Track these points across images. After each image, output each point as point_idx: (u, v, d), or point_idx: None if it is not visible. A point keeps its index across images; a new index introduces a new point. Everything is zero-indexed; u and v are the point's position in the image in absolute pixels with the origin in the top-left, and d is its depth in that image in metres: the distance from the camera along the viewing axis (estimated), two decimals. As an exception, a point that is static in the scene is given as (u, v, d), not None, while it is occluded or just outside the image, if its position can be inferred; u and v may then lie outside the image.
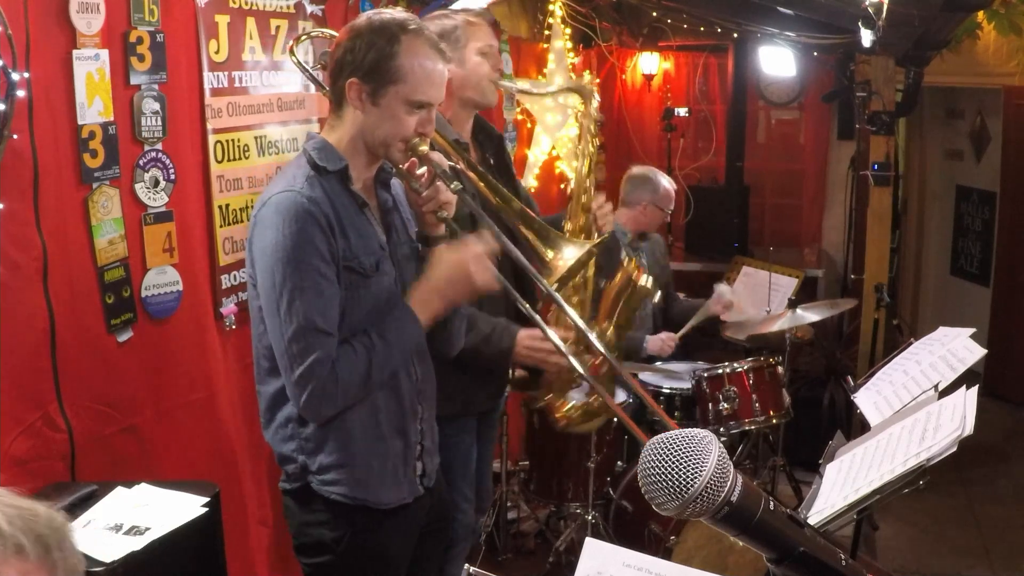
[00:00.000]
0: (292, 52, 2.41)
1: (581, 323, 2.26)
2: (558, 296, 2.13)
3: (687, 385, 3.79)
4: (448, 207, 2.04)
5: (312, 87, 2.97)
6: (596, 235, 2.69)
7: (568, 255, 2.25)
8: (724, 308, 4.13)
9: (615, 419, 3.62)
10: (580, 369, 2.25)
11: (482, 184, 2.40)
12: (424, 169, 1.99)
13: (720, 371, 3.66)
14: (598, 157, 4.39)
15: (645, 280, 2.80)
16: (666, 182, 4.17)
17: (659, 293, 2.96)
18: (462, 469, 2.67)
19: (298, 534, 2.04)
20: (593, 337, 2.28)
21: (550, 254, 2.26)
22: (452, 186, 2.00)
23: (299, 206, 1.85)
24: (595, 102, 2.75)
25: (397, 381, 2.03)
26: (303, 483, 1.99)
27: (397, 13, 1.96)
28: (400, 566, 2.10)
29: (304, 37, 2.62)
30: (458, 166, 2.34)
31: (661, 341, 4.01)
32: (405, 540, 2.10)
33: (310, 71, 2.52)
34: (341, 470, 1.97)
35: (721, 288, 4.18)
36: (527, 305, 2.13)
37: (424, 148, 1.97)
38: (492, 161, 2.79)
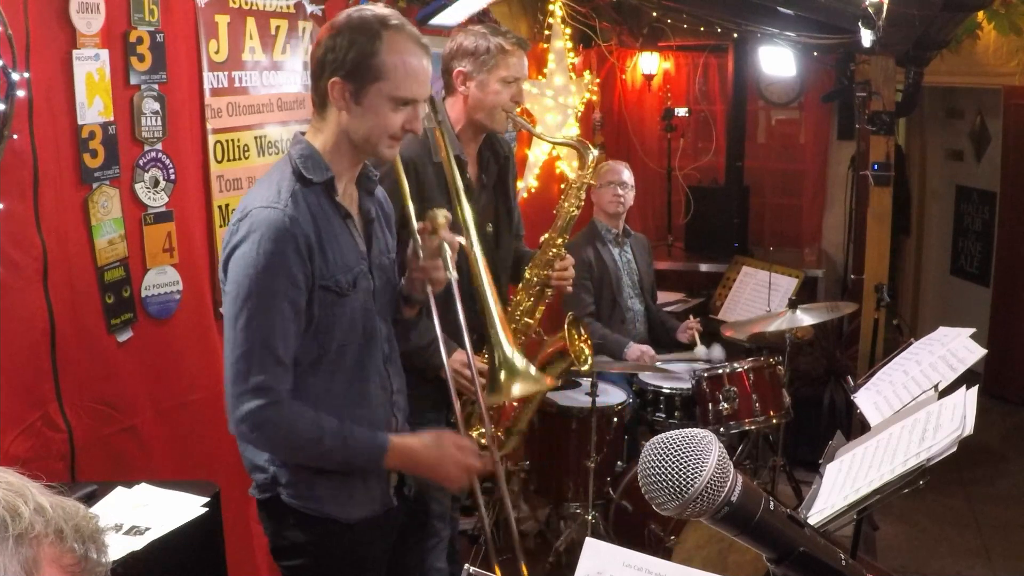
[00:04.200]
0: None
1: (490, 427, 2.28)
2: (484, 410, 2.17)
3: (687, 385, 3.79)
4: (437, 285, 2.04)
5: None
6: (548, 291, 2.73)
7: (516, 390, 2.22)
8: (686, 335, 4.19)
9: (614, 418, 3.62)
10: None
11: (476, 268, 2.32)
12: (436, 242, 2.00)
13: (720, 371, 3.66)
14: (601, 157, 4.40)
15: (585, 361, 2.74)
16: (609, 164, 4.27)
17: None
18: None
19: (273, 537, 2.03)
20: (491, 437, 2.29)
21: (503, 375, 2.22)
22: (450, 274, 2.01)
23: (280, 226, 1.81)
24: (591, 158, 2.76)
25: (370, 394, 2.00)
26: (273, 494, 1.97)
27: (379, 9, 1.92)
28: (378, 568, 2.09)
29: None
30: (463, 241, 2.29)
31: (641, 352, 4.00)
32: (380, 545, 2.08)
33: None
34: (310, 484, 1.95)
35: (698, 350, 4.16)
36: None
37: (442, 220, 1.99)
38: (486, 180, 2.79)
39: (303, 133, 1.99)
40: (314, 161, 1.91)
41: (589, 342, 2.76)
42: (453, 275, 2.02)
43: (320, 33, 1.93)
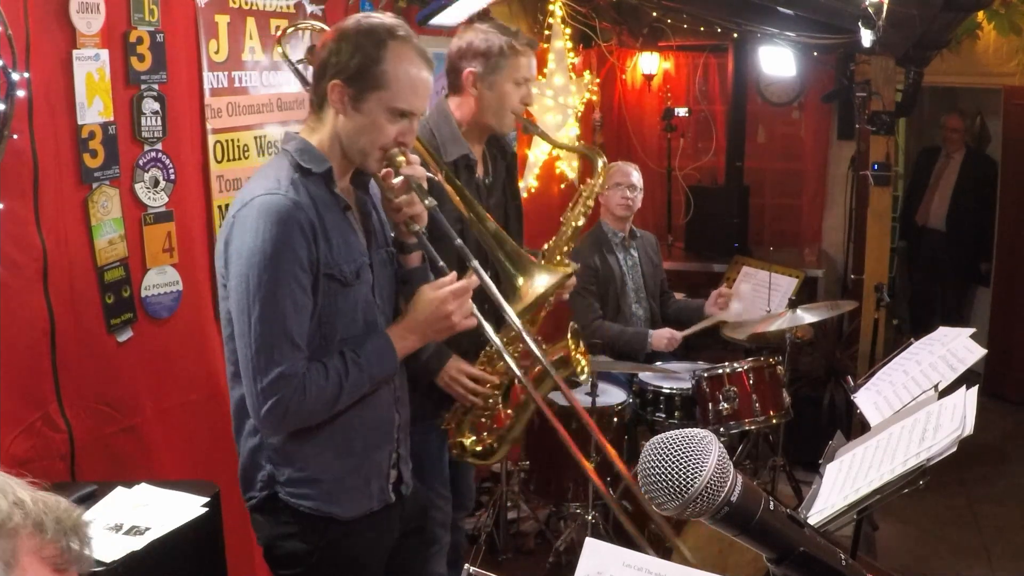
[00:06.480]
0: (279, 44, 2.38)
1: (540, 355, 2.24)
2: (523, 330, 2.12)
3: (687, 385, 3.79)
4: (419, 219, 2.01)
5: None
6: (549, 299, 2.62)
7: (538, 284, 2.22)
8: (719, 303, 4.14)
9: (615, 418, 3.63)
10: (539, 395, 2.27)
11: (458, 199, 2.37)
12: (400, 179, 1.96)
13: (720, 371, 3.66)
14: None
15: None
16: (619, 165, 4.24)
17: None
18: (433, 467, 2.66)
19: (269, 546, 2.02)
20: (550, 367, 2.25)
21: (520, 280, 2.23)
22: (426, 202, 1.98)
23: (284, 210, 1.80)
24: (600, 165, 2.73)
25: (376, 391, 1.99)
26: (270, 492, 1.97)
27: (387, 18, 1.93)
28: (375, 572, 2.08)
29: (292, 29, 2.58)
30: (436, 178, 2.30)
31: (667, 337, 4.01)
32: (379, 547, 2.08)
33: (296, 65, 2.46)
34: (312, 484, 1.95)
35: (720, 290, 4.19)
36: (498, 341, 2.11)
37: (401, 159, 1.95)
38: (493, 180, 2.77)
39: (296, 132, 1.99)
40: (311, 154, 1.91)
41: (587, 355, 2.74)
42: (431, 202, 1.98)
43: (326, 35, 1.94)
